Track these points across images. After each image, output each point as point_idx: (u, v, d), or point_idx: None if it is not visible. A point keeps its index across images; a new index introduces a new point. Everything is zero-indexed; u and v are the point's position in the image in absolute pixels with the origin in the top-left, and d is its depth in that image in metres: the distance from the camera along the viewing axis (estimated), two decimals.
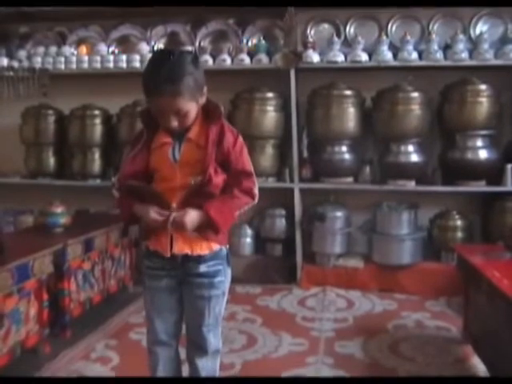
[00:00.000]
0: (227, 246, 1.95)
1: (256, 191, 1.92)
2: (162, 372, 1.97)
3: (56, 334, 2.82)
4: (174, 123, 1.77)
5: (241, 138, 1.88)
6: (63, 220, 3.10)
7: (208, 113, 1.85)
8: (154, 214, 1.79)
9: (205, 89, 1.83)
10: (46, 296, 2.67)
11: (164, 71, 1.71)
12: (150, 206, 1.81)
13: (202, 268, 1.87)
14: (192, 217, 1.78)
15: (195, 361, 1.94)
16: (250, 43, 4.18)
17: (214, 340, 1.94)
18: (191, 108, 1.78)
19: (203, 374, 1.95)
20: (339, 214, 3.91)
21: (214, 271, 1.89)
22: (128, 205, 1.86)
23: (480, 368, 2.53)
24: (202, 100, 1.83)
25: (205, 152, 1.79)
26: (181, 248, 1.84)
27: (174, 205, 1.80)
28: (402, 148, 3.76)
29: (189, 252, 1.84)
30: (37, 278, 2.60)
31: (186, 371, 2.04)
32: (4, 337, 2.38)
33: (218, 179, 1.81)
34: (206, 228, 1.82)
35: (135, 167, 1.85)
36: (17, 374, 2.44)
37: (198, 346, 1.94)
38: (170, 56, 1.74)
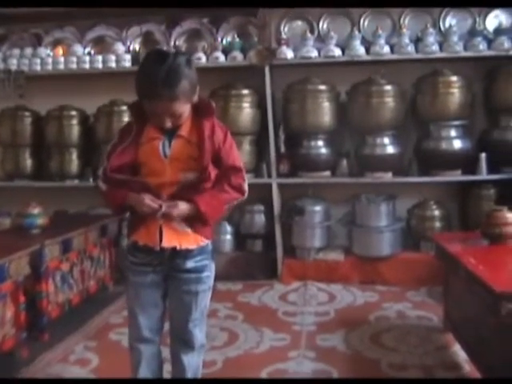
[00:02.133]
0: (212, 241, 1.97)
1: (246, 187, 1.95)
2: (144, 369, 1.96)
3: (34, 337, 2.77)
4: (168, 124, 1.80)
5: (230, 134, 1.90)
6: (40, 221, 3.06)
7: (199, 109, 1.86)
8: (148, 200, 1.80)
9: (197, 88, 1.84)
10: (22, 298, 2.62)
11: (161, 75, 1.71)
12: (143, 194, 1.82)
13: (190, 263, 1.88)
14: (182, 208, 1.80)
15: (181, 357, 1.94)
16: (224, 41, 4.19)
17: (200, 335, 1.95)
18: (186, 109, 1.81)
19: (189, 370, 1.94)
20: (318, 207, 3.92)
21: (202, 266, 1.90)
22: (121, 194, 1.85)
23: (461, 355, 2.56)
24: (195, 99, 1.84)
25: (198, 148, 1.82)
26: (169, 241, 1.84)
27: (165, 197, 1.82)
28: (378, 140, 3.79)
29: (177, 245, 1.85)
30: (13, 280, 2.56)
31: (166, 368, 2.03)
32: None
33: (212, 175, 1.85)
34: (194, 220, 1.84)
35: (123, 160, 1.85)
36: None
37: (184, 342, 1.93)
38: (166, 59, 1.74)
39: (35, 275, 2.78)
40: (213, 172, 1.85)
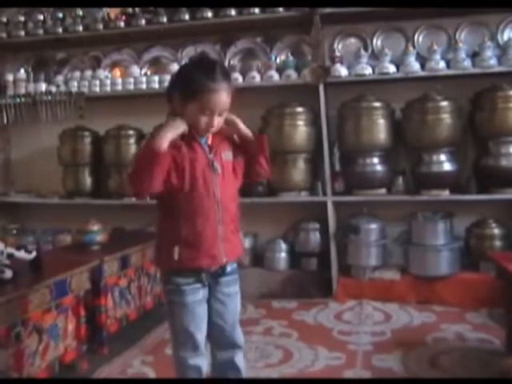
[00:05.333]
0: None
1: None
2: None
3: (93, 350, 2.85)
4: (215, 123, 1.89)
5: None
6: (100, 237, 3.16)
7: None
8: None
9: None
10: (83, 312, 2.71)
11: (219, 69, 1.87)
12: None
13: (229, 267, 1.98)
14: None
15: (235, 361, 2.00)
16: (278, 60, 4.23)
17: (241, 333, 2.04)
18: None
19: (243, 371, 2.02)
20: (373, 225, 3.87)
21: (234, 268, 2.03)
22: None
23: None
24: None
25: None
26: (227, 257, 1.96)
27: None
28: (434, 157, 3.72)
29: (229, 258, 1.97)
30: (74, 294, 2.65)
31: None
32: (43, 352, 2.43)
33: None
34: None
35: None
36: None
37: (234, 345, 2.00)
38: (211, 58, 1.98)
39: (95, 290, 2.86)
40: None
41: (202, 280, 1.94)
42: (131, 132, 4.34)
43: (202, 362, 1.99)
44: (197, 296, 1.94)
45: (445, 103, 3.68)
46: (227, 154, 1.98)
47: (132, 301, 3.25)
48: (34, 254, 2.47)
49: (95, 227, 3.16)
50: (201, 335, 1.96)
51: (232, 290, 2.01)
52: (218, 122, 1.89)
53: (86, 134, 4.45)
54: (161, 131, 1.85)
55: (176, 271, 1.93)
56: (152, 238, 3.52)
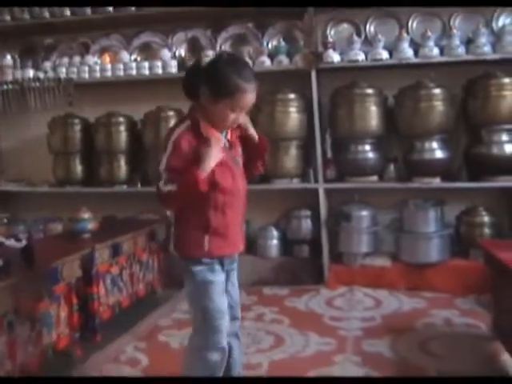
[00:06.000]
0: None
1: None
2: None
3: (86, 338, 2.85)
4: (241, 121, 2.01)
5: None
6: (91, 225, 3.14)
7: None
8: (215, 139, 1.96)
9: None
10: (75, 300, 2.71)
11: (249, 68, 1.98)
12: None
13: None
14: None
15: (238, 332, 2.19)
16: (270, 45, 4.21)
17: None
18: None
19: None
20: (365, 213, 3.89)
21: None
22: (192, 172, 1.90)
23: (510, 364, 2.49)
24: None
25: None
26: (242, 244, 2.14)
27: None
28: (427, 145, 3.73)
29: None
30: (66, 283, 2.65)
31: None
32: (36, 339, 2.43)
33: None
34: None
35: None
36: (49, 376, 2.49)
37: (237, 318, 2.18)
38: (240, 58, 2.09)
39: (86, 278, 2.85)
40: None
41: (224, 265, 2.07)
42: (122, 119, 4.32)
43: (226, 346, 2.07)
44: (222, 277, 2.07)
45: (438, 90, 3.68)
46: (239, 150, 2.11)
47: (124, 288, 3.25)
48: (24, 242, 2.46)
49: (86, 215, 3.15)
50: (228, 316, 2.07)
51: (235, 267, 2.17)
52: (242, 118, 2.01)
53: (76, 121, 4.41)
54: (205, 164, 1.89)
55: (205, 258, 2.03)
56: (144, 226, 3.55)
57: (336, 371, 2.54)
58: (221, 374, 2.08)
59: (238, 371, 2.20)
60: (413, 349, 2.77)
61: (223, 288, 2.07)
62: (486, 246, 2.80)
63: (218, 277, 2.04)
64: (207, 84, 1.93)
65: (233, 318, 2.14)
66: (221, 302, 2.03)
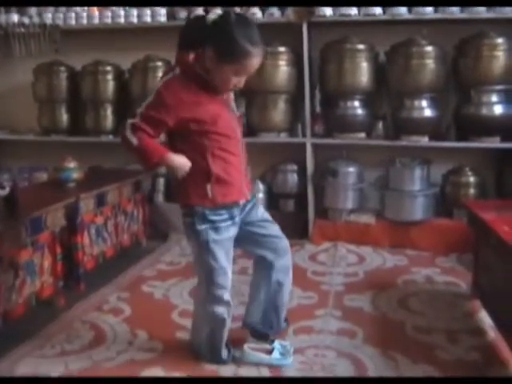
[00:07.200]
0: None
1: None
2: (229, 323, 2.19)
3: (70, 287, 2.89)
4: (242, 85, 2.00)
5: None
6: (76, 175, 3.13)
7: None
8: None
9: None
10: (59, 249, 2.73)
11: (256, 30, 1.91)
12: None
13: (249, 205, 2.17)
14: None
15: (290, 267, 2.32)
16: None
17: None
18: None
19: None
20: (351, 169, 3.90)
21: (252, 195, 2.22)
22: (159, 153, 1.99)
23: (487, 322, 2.56)
24: None
25: None
26: (249, 191, 2.15)
27: None
28: (416, 103, 3.70)
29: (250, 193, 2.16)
30: (50, 231, 2.65)
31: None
32: (19, 287, 2.45)
33: None
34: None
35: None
36: (33, 324, 2.52)
37: (288, 250, 2.29)
38: (248, 19, 1.98)
39: (71, 227, 2.87)
40: None
41: (234, 216, 2.06)
42: (109, 68, 4.22)
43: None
44: (230, 233, 2.08)
45: (430, 48, 3.62)
46: (232, 95, 2.14)
47: (109, 238, 3.27)
48: (7, 189, 2.44)
49: (72, 165, 3.13)
50: (230, 271, 2.12)
51: (260, 209, 2.21)
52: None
53: (62, 69, 4.31)
54: (171, 164, 1.99)
55: (209, 210, 2.02)
56: (129, 177, 3.54)
57: (317, 325, 2.58)
58: (228, 325, 2.17)
59: (283, 309, 2.33)
60: (392, 304, 2.82)
61: (229, 244, 2.10)
62: (470, 206, 2.83)
63: (223, 235, 2.05)
64: (213, 45, 1.89)
65: (285, 251, 2.24)
66: (224, 259, 2.07)
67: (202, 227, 2.03)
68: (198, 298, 2.21)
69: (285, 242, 2.27)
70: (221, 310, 2.13)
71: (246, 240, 2.19)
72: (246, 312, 2.38)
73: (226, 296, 2.13)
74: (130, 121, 1.95)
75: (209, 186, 2.01)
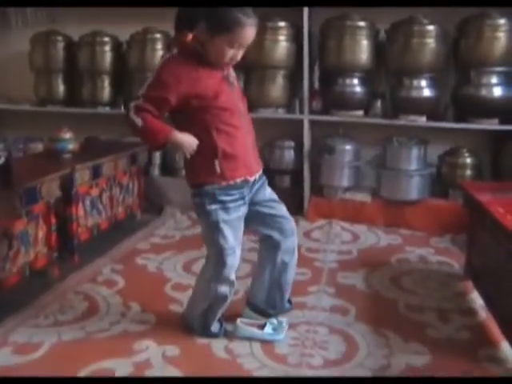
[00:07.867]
0: None
1: None
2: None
3: (64, 258, 2.89)
4: (239, 57, 2.00)
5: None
6: (71, 146, 3.11)
7: None
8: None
9: None
10: (54, 220, 2.72)
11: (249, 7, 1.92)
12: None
13: (259, 182, 2.18)
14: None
15: (295, 247, 2.37)
16: None
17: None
18: None
19: None
20: (348, 147, 3.88)
21: (261, 173, 2.21)
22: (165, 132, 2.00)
23: (478, 302, 2.58)
24: None
25: None
26: (259, 169, 2.16)
27: None
28: (415, 82, 3.67)
29: (260, 170, 2.18)
30: (45, 202, 2.64)
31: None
32: (13, 257, 2.45)
33: None
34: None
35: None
36: (27, 294, 2.53)
37: (294, 231, 2.34)
38: None
39: (66, 199, 2.86)
40: None
41: (244, 196, 2.07)
42: (107, 39, 4.18)
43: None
44: (239, 212, 2.09)
45: (431, 27, 3.58)
46: (232, 71, 2.12)
47: (103, 211, 3.26)
48: (2, 159, 2.43)
49: (67, 135, 3.11)
50: (239, 250, 2.13)
51: (268, 189, 2.22)
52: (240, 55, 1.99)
53: (59, 38, 4.26)
54: (178, 142, 1.99)
55: (220, 189, 2.02)
56: (126, 149, 3.53)
57: (310, 301, 2.60)
58: (226, 304, 2.20)
59: (287, 289, 2.36)
60: (385, 283, 2.84)
61: (239, 224, 2.10)
62: (466, 187, 2.83)
63: (233, 214, 2.06)
64: (206, 18, 1.90)
65: (291, 232, 2.27)
66: (233, 239, 2.08)
67: (212, 207, 2.04)
68: (204, 275, 2.20)
69: (292, 223, 2.29)
70: (224, 288, 2.15)
71: (254, 219, 2.19)
72: (251, 290, 2.39)
73: (233, 276, 2.16)
74: (132, 103, 1.95)
75: (217, 162, 2.01)
